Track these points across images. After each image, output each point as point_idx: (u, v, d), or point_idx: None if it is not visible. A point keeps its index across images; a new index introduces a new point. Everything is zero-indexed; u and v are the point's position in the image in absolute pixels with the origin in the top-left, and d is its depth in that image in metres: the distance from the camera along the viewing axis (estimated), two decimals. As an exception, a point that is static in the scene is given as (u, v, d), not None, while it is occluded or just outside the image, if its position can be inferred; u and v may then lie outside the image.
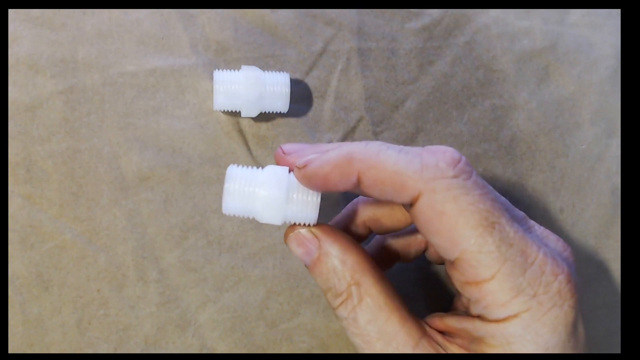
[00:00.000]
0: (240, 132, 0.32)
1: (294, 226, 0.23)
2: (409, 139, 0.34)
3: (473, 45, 0.36)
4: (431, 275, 0.32)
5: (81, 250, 0.30)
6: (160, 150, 0.31)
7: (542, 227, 0.23)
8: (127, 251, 0.30)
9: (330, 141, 0.33)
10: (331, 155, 0.21)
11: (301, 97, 0.33)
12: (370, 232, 0.26)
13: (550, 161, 0.35)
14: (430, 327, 0.22)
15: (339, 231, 0.23)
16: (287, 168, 0.23)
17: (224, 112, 0.32)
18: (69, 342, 0.29)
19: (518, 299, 0.19)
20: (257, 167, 0.23)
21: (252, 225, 0.31)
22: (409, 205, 0.21)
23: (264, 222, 0.23)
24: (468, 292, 0.20)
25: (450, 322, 0.22)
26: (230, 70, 0.31)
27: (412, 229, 0.28)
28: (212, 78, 0.32)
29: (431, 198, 0.19)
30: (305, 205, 0.23)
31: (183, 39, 0.33)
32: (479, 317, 0.20)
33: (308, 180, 0.22)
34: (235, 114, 0.32)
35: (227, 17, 0.33)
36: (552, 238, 0.22)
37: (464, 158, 0.20)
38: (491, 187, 0.22)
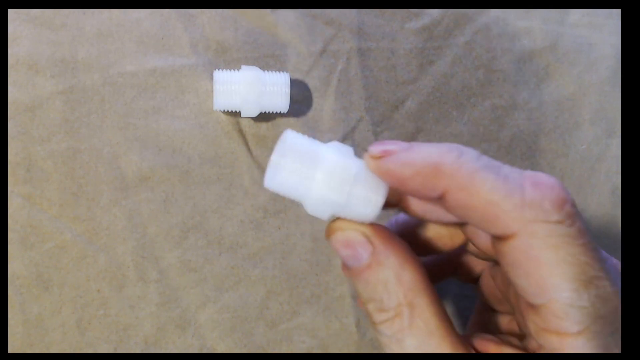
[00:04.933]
0: (240, 132, 0.32)
1: (340, 220, 0.20)
2: (409, 139, 0.34)
3: (473, 45, 0.36)
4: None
5: (81, 250, 0.30)
6: (160, 150, 0.31)
7: (613, 259, 0.21)
8: (127, 251, 0.30)
9: (330, 141, 0.33)
10: (416, 157, 0.18)
11: (301, 97, 0.33)
12: None
13: (550, 161, 0.35)
14: (477, 348, 0.20)
15: (397, 238, 0.20)
16: (352, 150, 0.20)
17: (224, 112, 0.32)
18: (69, 342, 0.29)
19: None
20: (319, 142, 0.20)
21: (252, 225, 0.31)
22: (496, 238, 0.18)
23: (310, 210, 0.19)
24: (545, 340, 0.18)
25: (507, 351, 0.20)
26: (230, 70, 0.31)
27: (448, 254, 0.25)
28: (212, 78, 0.32)
29: (528, 242, 0.17)
30: (365, 204, 0.19)
31: (183, 39, 0.33)
32: None
33: (383, 175, 0.19)
34: (235, 114, 0.32)
35: (227, 17, 0.33)
36: (618, 268, 0.21)
37: (570, 197, 0.18)
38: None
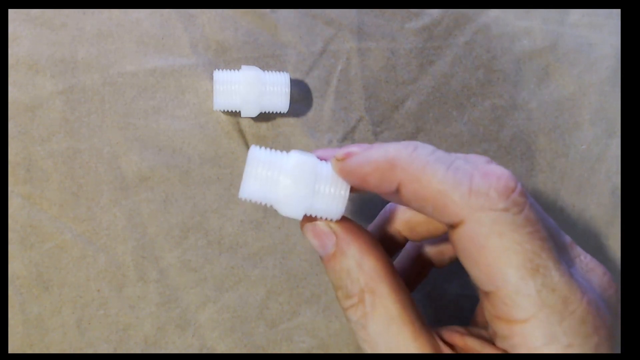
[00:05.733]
0: (240, 132, 0.32)
1: (312, 218, 0.22)
2: (409, 139, 0.34)
3: (473, 45, 0.36)
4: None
5: (81, 250, 0.30)
6: (160, 150, 0.31)
7: (589, 257, 0.21)
8: (127, 251, 0.30)
9: (330, 141, 0.33)
10: (373, 155, 0.20)
11: (301, 97, 0.33)
12: (406, 240, 0.25)
13: (550, 161, 0.35)
14: (445, 341, 0.21)
15: (360, 229, 0.22)
16: (314, 156, 0.22)
17: (224, 112, 0.32)
18: (69, 342, 0.29)
19: (550, 347, 0.18)
20: (282, 151, 0.22)
21: (252, 225, 0.31)
22: (449, 227, 0.19)
23: (282, 213, 0.21)
24: (497, 326, 0.19)
25: (471, 344, 0.21)
26: (230, 70, 0.31)
27: (446, 236, 0.26)
28: (212, 78, 0.32)
29: (474, 229, 0.18)
30: (331, 200, 0.21)
31: (183, 39, 0.33)
32: (505, 351, 0.19)
33: (345, 175, 0.21)
34: (235, 114, 0.32)
35: (227, 17, 0.33)
36: (597, 272, 0.21)
37: (519, 186, 0.18)
38: (545, 215, 0.20)
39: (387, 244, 0.25)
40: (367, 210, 0.32)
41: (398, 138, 0.34)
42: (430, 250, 0.26)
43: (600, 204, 0.35)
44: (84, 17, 0.32)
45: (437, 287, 0.32)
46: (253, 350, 0.30)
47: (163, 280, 0.30)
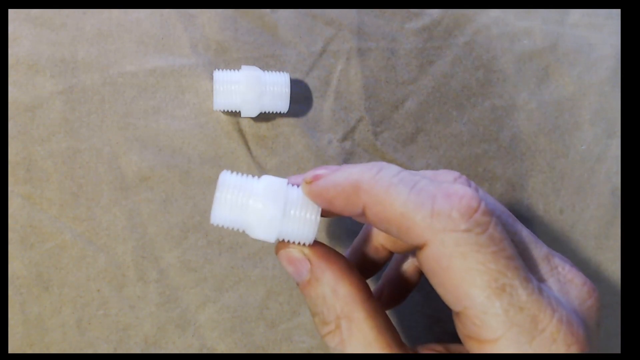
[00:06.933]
0: (240, 132, 0.32)
1: (286, 242, 0.22)
2: (409, 139, 0.34)
3: (473, 46, 0.36)
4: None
5: (81, 250, 0.30)
6: (160, 150, 0.31)
7: (568, 266, 0.21)
8: (127, 251, 0.30)
9: (330, 141, 0.33)
10: (338, 178, 0.20)
11: (301, 97, 0.33)
12: (391, 253, 0.25)
13: (550, 161, 0.35)
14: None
15: (335, 254, 0.22)
16: (285, 180, 0.22)
17: (224, 112, 0.32)
18: (69, 342, 0.29)
19: None
20: (253, 176, 0.22)
21: (252, 225, 0.31)
22: (415, 248, 0.19)
23: (254, 237, 0.21)
24: (469, 346, 0.19)
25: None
26: (230, 70, 0.31)
27: None
28: (212, 78, 0.32)
29: (438, 251, 0.18)
30: (302, 224, 0.21)
31: (183, 39, 0.33)
32: None
33: (314, 198, 0.21)
34: (235, 114, 0.32)
35: (227, 17, 0.33)
36: (576, 282, 0.21)
37: (482, 206, 0.18)
38: (518, 228, 0.21)
39: (372, 259, 0.25)
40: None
41: (398, 138, 0.34)
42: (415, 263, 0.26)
43: (600, 204, 0.35)
44: (84, 17, 0.32)
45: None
46: (253, 350, 0.30)
47: (163, 280, 0.30)
